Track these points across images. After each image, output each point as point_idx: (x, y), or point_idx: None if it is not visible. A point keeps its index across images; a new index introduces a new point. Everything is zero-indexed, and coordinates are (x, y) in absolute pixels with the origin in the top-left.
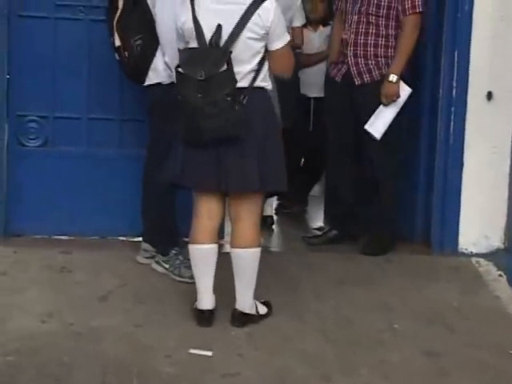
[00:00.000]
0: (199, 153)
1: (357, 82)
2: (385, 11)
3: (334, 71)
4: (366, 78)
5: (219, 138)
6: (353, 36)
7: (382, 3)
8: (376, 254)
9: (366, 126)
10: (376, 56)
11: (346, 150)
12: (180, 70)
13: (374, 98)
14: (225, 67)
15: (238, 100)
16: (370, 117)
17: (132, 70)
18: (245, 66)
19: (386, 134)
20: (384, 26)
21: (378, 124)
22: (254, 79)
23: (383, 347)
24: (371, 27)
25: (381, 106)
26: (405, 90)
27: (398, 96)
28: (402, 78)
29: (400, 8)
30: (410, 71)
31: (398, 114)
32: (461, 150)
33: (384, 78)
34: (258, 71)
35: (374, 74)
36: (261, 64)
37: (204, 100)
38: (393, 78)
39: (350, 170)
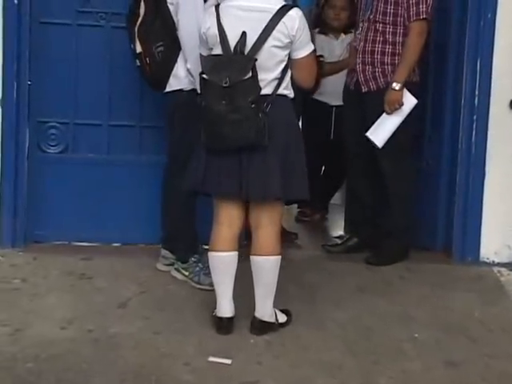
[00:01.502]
0: (221, 160)
1: (364, 89)
2: (391, 18)
3: (348, 79)
4: (372, 85)
5: (242, 146)
6: (362, 43)
7: (389, 10)
8: (379, 265)
9: (367, 134)
10: (382, 63)
11: (363, 158)
12: (204, 76)
13: (379, 106)
14: (249, 74)
15: (261, 107)
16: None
17: (153, 76)
18: (269, 74)
19: (389, 143)
20: (391, 33)
21: (379, 132)
22: (277, 87)
23: (404, 357)
24: (378, 35)
25: (384, 114)
26: (409, 100)
27: (401, 104)
28: (407, 87)
29: (405, 15)
30: (418, 83)
31: (404, 123)
32: (483, 160)
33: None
34: (281, 79)
35: (379, 81)
36: (284, 72)
37: (228, 107)
38: (395, 85)
39: (369, 178)
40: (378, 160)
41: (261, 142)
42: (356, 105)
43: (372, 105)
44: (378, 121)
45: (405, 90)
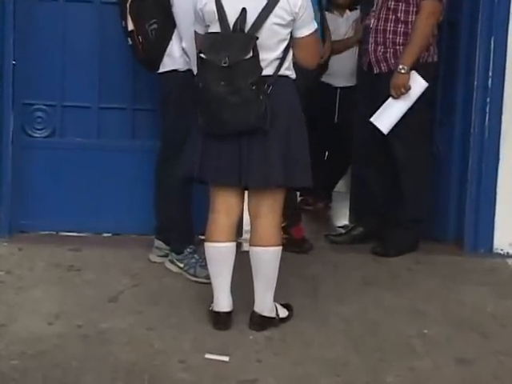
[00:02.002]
0: (219, 145)
1: (375, 70)
2: None
3: (362, 59)
4: (383, 66)
5: (242, 130)
6: (375, 22)
7: None
8: (386, 256)
9: (372, 119)
10: (394, 44)
11: (371, 144)
12: (202, 55)
13: (389, 89)
14: (250, 54)
15: (262, 89)
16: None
17: (146, 56)
18: (270, 54)
19: (403, 126)
20: (403, 11)
21: (384, 117)
22: (279, 67)
23: (412, 354)
24: (391, 13)
25: (390, 99)
26: (419, 83)
27: (408, 89)
28: (423, 68)
29: None
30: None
31: (418, 106)
32: (497, 144)
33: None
34: (283, 59)
35: (390, 62)
36: (286, 51)
37: (227, 89)
38: (401, 68)
39: (377, 166)
40: (390, 145)
41: (262, 127)
42: (368, 87)
43: (383, 87)
44: (384, 105)
45: (414, 73)
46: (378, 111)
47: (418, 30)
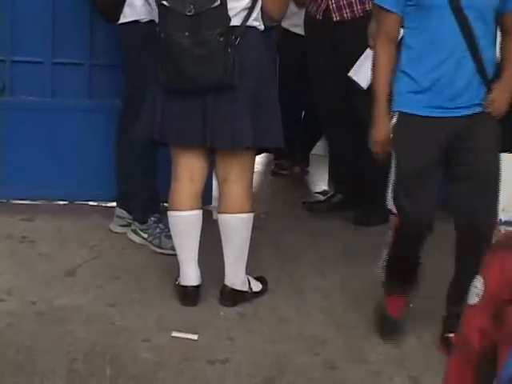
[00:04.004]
0: (182, 103)
1: (335, 17)
2: None
3: (313, 7)
4: (347, 13)
5: (208, 85)
6: None
7: None
8: (369, 225)
9: (350, 74)
10: None
11: (339, 103)
12: (164, 2)
13: (356, 38)
14: (218, 2)
15: (230, 41)
16: (353, 63)
17: (104, 4)
18: (239, 2)
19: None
20: None
21: (363, 70)
22: (247, 17)
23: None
24: None
25: (367, 50)
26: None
27: None
28: None
29: None
30: None
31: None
32: None
33: (369, 14)
34: (251, 8)
35: (355, 8)
36: (255, 1)
37: (192, 39)
38: None
39: (348, 128)
40: (354, 101)
41: (230, 82)
42: (324, 38)
43: (346, 37)
44: (361, 58)
45: None
46: (356, 65)
47: None
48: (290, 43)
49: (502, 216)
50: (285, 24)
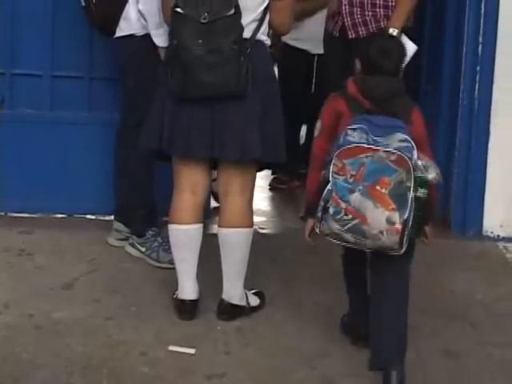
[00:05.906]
0: (190, 113)
1: (350, 35)
2: None
3: (330, 24)
4: (362, 31)
5: (220, 94)
6: None
7: None
8: None
9: None
10: (374, 6)
11: None
12: (178, 9)
13: None
14: (233, 10)
15: (244, 50)
16: None
17: (100, 18)
18: (249, 15)
19: None
20: None
21: None
22: (257, 30)
23: None
24: None
25: None
26: (409, 48)
27: None
28: (405, 32)
29: None
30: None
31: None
32: (487, 118)
33: (382, 32)
34: (261, 21)
35: (370, 26)
36: (264, 14)
37: (205, 47)
38: (393, 31)
39: None
40: None
41: (242, 90)
42: (340, 54)
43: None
44: None
45: (403, 36)
46: None
47: None
48: (289, 57)
49: (501, 232)
50: (285, 38)
